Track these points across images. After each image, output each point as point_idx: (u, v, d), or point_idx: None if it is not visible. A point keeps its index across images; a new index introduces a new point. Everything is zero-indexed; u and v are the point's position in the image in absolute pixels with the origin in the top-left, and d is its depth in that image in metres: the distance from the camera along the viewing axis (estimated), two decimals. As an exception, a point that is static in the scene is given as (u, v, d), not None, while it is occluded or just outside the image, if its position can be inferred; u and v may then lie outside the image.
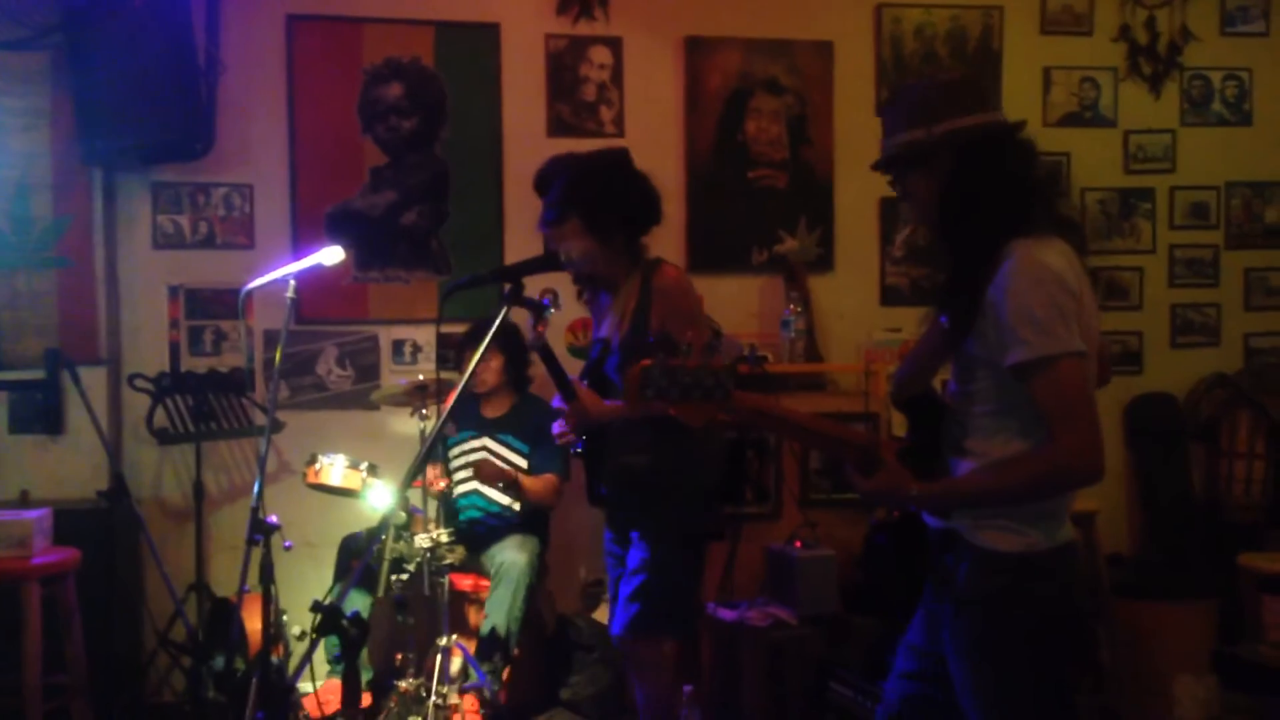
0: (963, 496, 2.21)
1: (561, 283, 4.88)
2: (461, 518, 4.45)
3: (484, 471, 4.35)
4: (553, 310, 3.11)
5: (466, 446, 4.55)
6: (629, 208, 3.25)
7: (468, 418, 4.56)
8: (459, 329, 4.62)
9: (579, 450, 3.29)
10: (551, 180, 3.33)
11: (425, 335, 4.88)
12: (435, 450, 4.36)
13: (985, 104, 2.27)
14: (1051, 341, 2.06)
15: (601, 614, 4.43)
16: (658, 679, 3.34)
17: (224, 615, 4.20)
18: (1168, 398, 5.47)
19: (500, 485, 4.36)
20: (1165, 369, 5.50)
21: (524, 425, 4.51)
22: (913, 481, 2.17)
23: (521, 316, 3.19)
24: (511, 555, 4.23)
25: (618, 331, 3.25)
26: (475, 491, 4.49)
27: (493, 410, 4.58)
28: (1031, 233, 2.14)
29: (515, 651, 4.20)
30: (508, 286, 3.01)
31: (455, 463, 4.55)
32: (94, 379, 4.51)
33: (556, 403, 3.23)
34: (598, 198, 3.23)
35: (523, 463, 4.51)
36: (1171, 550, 5.28)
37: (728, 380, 2.05)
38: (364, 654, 4.21)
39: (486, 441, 4.55)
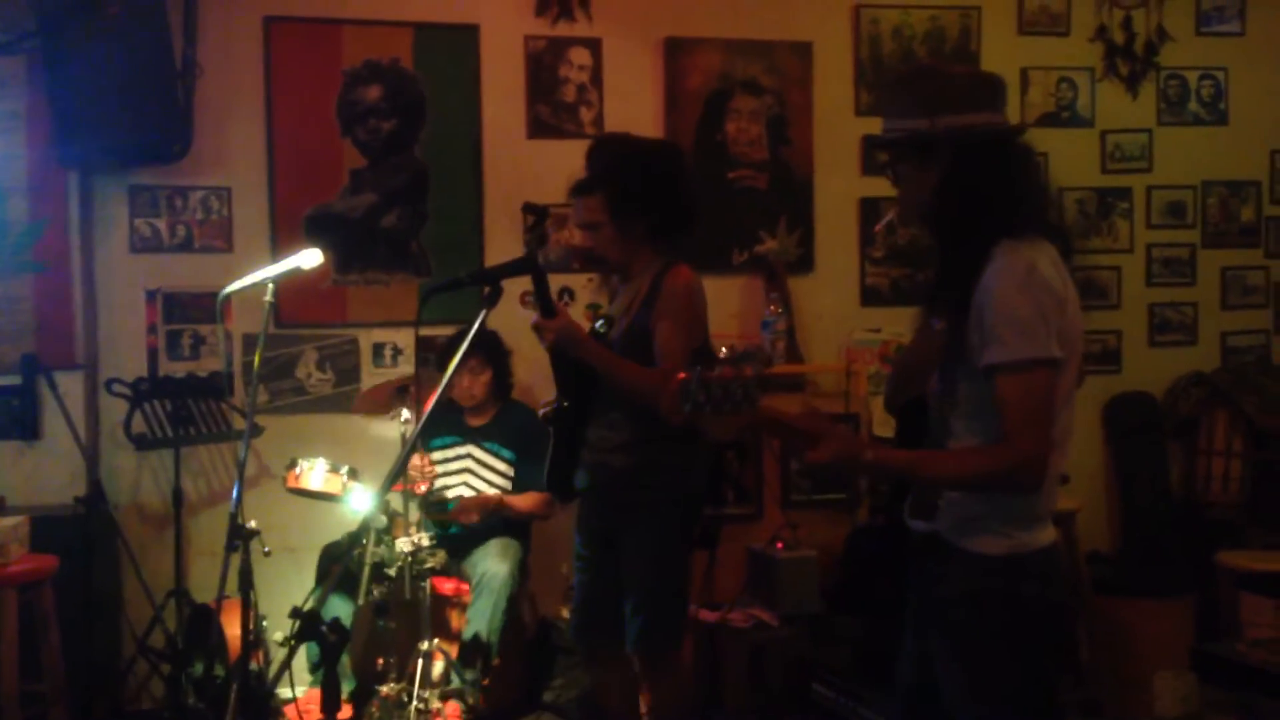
0: (911, 472, 2.22)
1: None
2: (443, 525, 4.43)
3: (469, 511, 4.34)
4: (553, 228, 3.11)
5: (450, 453, 4.54)
6: (658, 203, 3.22)
7: (451, 423, 4.55)
8: (439, 331, 4.61)
9: (553, 415, 3.28)
10: (599, 151, 3.32)
11: (405, 338, 4.86)
12: (415, 450, 4.34)
13: (992, 104, 2.25)
14: (1029, 345, 2.05)
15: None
16: (670, 687, 3.34)
17: (203, 622, 4.17)
18: (1146, 396, 5.50)
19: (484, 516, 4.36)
20: (1143, 368, 5.54)
21: (509, 432, 4.50)
22: (865, 446, 2.15)
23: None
24: (493, 566, 4.21)
25: (623, 320, 3.25)
26: (459, 498, 4.47)
27: (476, 418, 4.56)
28: (1019, 235, 2.14)
29: (495, 661, 4.19)
30: (486, 289, 3.00)
31: (437, 468, 4.53)
32: (71, 384, 4.49)
33: (535, 319, 3.21)
34: (630, 181, 3.21)
35: (509, 470, 4.50)
36: (1150, 548, 5.31)
37: (755, 391, 2.05)
38: (346, 662, 4.20)
39: (471, 449, 4.53)
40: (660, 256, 3.26)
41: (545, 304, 3.16)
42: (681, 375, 2.05)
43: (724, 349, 3.03)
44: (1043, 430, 2.06)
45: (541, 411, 3.38)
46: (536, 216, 3.24)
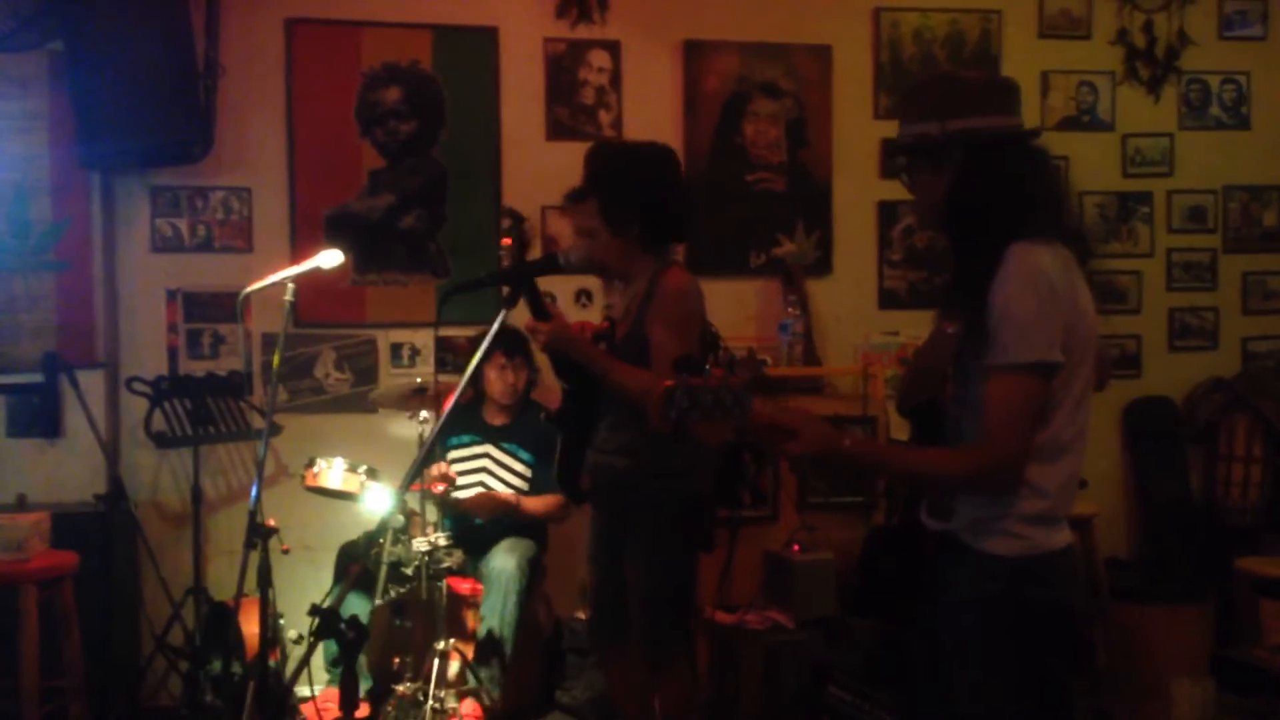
0: (887, 464, 2.28)
1: (560, 286, 4.93)
2: (460, 521, 4.45)
3: (481, 508, 4.36)
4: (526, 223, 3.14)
5: (467, 452, 4.54)
6: (651, 205, 3.22)
7: (469, 422, 4.55)
8: (458, 332, 4.62)
9: (558, 417, 3.30)
10: (593, 157, 3.34)
11: (424, 338, 4.88)
12: (434, 453, 4.36)
13: (1006, 109, 2.26)
14: (1025, 348, 2.06)
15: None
16: (678, 689, 3.35)
17: (221, 619, 4.19)
18: (1165, 401, 5.47)
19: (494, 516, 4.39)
20: (1163, 372, 5.51)
21: (528, 433, 4.50)
22: (844, 435, 2.15)
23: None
24: (501, 561, 4.23)
25: (624, 323, 3.26)
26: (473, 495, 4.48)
27: (496, 417, 4.57)
28: (1032, 237, 2.14)
29: (509, 655, 4.20)
30: (506, 290, 3.01)
31: (454, 467, 4.54)
32: (92, 382, 4.51)
33: (528, 322, 3.21)
34: (622, 185, 3.21)
35: (526, 471, 4.51)
36: (1169, 553, 5.28)
37: (747, 398, 2.06)
38: (363, 661, 4.21)
39: (489, 449, 4.54)
40: (656, 259, 3.26)
41: (537, 307, 3.17)
42: (667, 383, 2.06)
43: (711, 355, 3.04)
44: (1022, 433, 2.07)
45: (542, 415, 3.41)
46: (514, 220, 3.25)
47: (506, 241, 3.14)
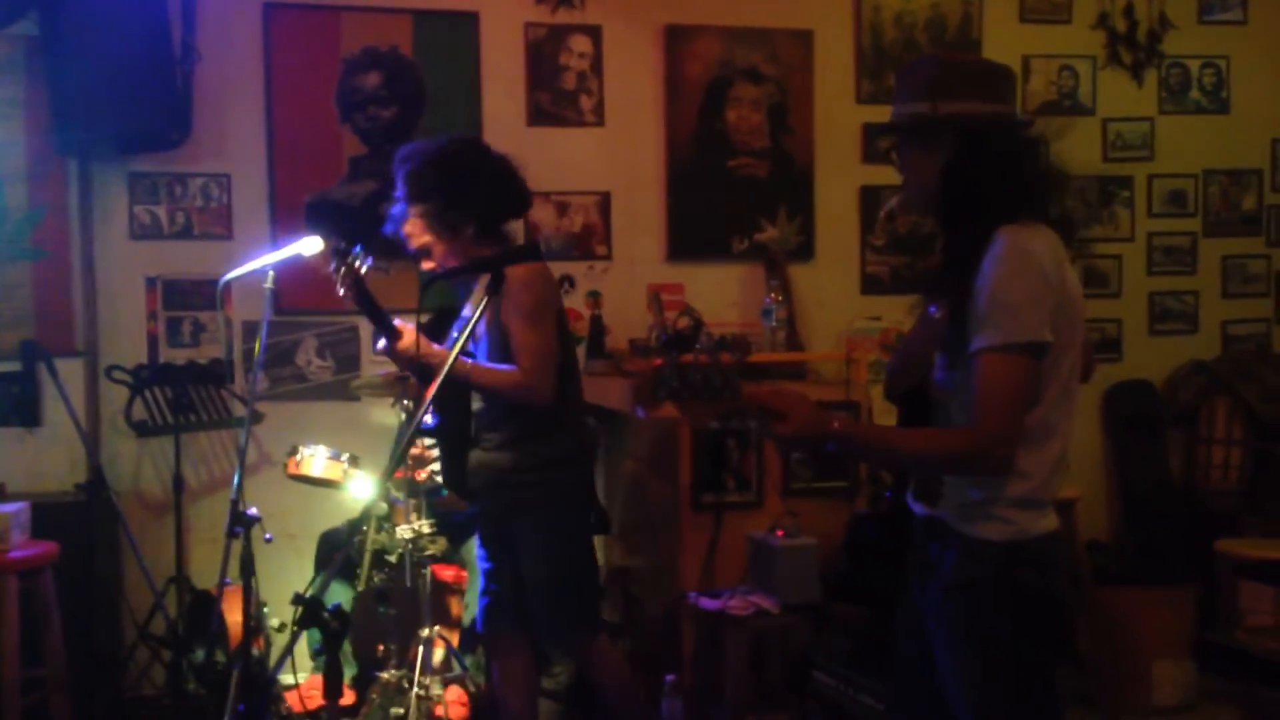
0: (878, 445, 2.24)
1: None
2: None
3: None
4: (364, 260, 3.07)
5: (430, 440, 4.53)
6: (474, 199, 3.20)
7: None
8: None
9: (431, 427, 3.30)
10: (397, 171, 3.30)
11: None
12: (413, 439, 4.34)
13: (998, 95, 2.26)
14: (1016, 329, 2.06)
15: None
16: (608, 672, 3.41)
17: (204, 608, 4.18)
18: (1146, 385, 5.50)
19: None
20: (1144, 356, 5.54)
21: None
22: (833, 417, 2.14)
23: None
24: None
25: (481, 320, 3.26)
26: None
27: (445, 394, 4.57)
28: (1020, 221, 2.14)
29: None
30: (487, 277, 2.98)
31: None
32: (71, 371, 4.48)
33: (377, 343, 3.19)
34: (439, 190, 3.20)
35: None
36: (1150, 536, 5.31)
37: (735, 378, 2.05)
38: (347, 648, 4.20)
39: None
40: (497, 249, 3.23)
41: (386, 328, 3.14)
42: (657, 361, 2.05)
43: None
44: (1014, 412, 2.06)
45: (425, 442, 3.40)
46: (337, 258, 3.06)
47: (342, 286, 3.05)
